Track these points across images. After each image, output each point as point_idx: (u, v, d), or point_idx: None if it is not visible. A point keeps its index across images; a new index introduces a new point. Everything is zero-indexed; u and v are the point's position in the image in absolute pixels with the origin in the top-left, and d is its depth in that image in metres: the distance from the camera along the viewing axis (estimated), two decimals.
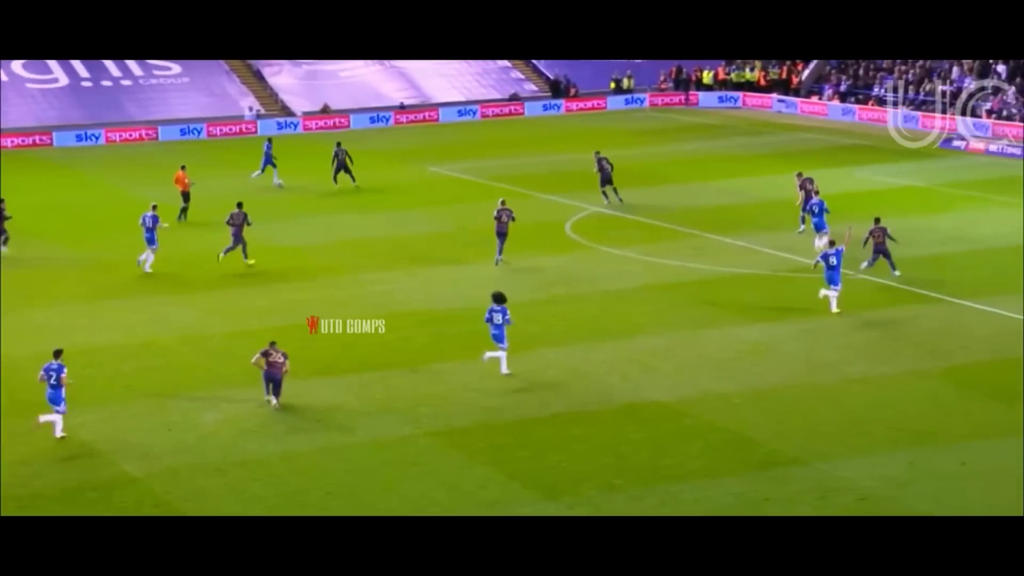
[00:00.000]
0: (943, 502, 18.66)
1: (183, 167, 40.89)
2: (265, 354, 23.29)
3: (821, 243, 32.31)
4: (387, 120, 62.70)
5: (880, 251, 30.96)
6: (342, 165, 43.92)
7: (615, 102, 66.38)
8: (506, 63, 69.50)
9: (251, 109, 62.78)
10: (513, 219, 33.79)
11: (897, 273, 30.70)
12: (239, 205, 34.47)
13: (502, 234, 33.60)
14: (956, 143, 51.02)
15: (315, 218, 40.24)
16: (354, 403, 23.77)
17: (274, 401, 23.28)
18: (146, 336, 28.09)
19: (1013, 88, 55.84)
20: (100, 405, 23.67)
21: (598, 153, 41.25)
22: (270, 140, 46.59)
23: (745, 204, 40.77)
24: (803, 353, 25.73)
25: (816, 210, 33.91)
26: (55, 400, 22.02)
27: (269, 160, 45.23)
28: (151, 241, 33.79)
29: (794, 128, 57.36)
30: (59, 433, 22.00)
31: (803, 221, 35.40)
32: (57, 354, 22.40)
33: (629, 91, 67.62)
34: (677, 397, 23.46)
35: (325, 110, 63.74)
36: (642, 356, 25.90)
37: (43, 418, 22.16)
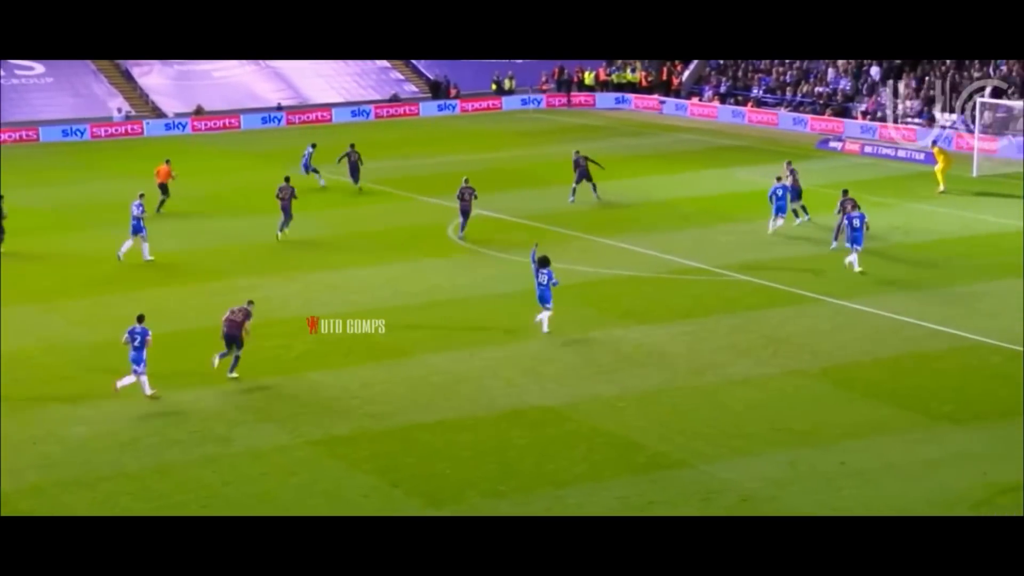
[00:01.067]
0: (823, 502, 19.08)
1: (167, 160, 41.59)
2: (232, 312, 24.84)
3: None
4: (279, 121, 62.27)
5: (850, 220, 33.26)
6: (354, 166, 43.71)
7: (511, 102, 66.79)
8: (385, 63, 69.27)
9: (120, 110, 61.53)
10: (476, 196, 36.31)
11: (835, 245, 33.47)
12: (287, 179, 37.14)
13: (466, 212, 36.24)
14: (832, 144, 52.32)
15: (187, 222, 39.57)
16: (231, 413, 23.41)
17: (217, 359, 24.65)
18: (10, 347, 27.27)
19: (886, 88, 57.51)
20: None
21: (577, 152, 42.07)
22: (313, 145, 45.22)
23: (627, 205, 41.24)
24: (685, 355, 26.11)
25: (780, 193, 35.57)
26: (137, 361, 23.53)
27: (307, 166, 44.25)
28: (138, 230, 33.90)
29: (676, 129, 58.23)
30: (148, 391, 23.65)
31: (805, 211, 37.10)
32: (140, 319, 23.96)
33: (510, 92, 68.00)
34: (561, 401, 23.59)
35: (199, 111, 62.78)
36: (526, 360, 26.01)
37: (121, 382, 23.63)
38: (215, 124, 61.04)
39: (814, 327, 27.76)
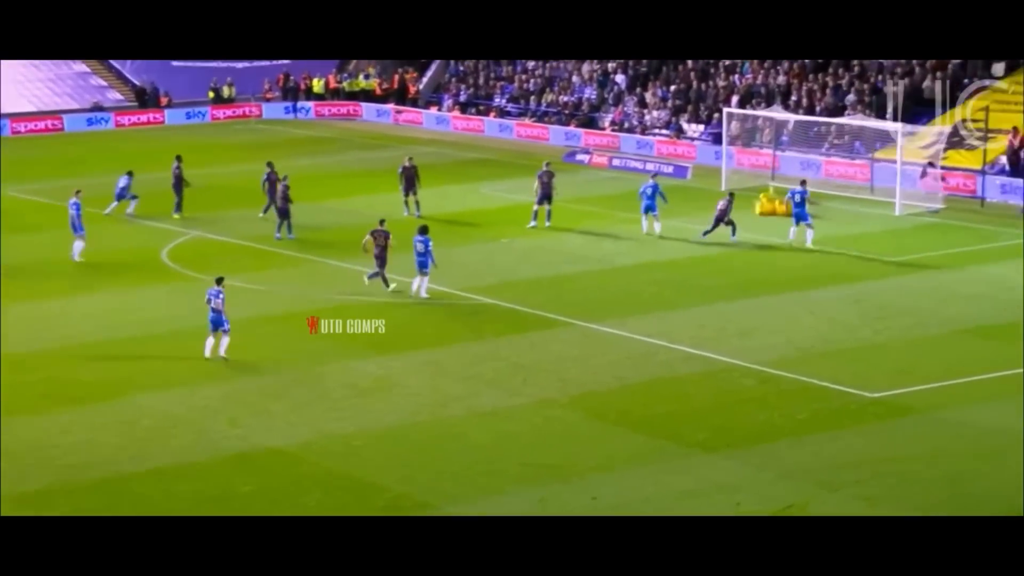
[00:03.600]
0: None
1: None
2: (373, 235, 31.67)
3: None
4: (2, 130, 59.71)
5: (721, 219, 37.53)
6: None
7: (273, 110, 65.98)
8: (84, 68, 66.89)
9: None
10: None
11: (735, 238, 37.52)
12: (270, 164, 41.37)
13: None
14: (580, 156, 53.70)
15: None
16: None
17: (366, 277, 32.10)
18: None
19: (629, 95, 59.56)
20: None
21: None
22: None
23: (360, 225, 41.02)
24: (428, 387, 26.17)
25: (650, 192, 38.69)
26: (218, 323, 26.72)
27: (122, 195, 41.64)
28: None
29: (414, 141, 58.50)
30: (222, 352, 26.76)
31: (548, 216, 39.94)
32: (219, 281, 27.17)
33: (230, 100, 66.88)
34: (292, 442, 23.25)
35: None
36: (252, 397, 25.53)
37: (208, 350, 26.84)
38: None
39: (564, 353, 28.32)
